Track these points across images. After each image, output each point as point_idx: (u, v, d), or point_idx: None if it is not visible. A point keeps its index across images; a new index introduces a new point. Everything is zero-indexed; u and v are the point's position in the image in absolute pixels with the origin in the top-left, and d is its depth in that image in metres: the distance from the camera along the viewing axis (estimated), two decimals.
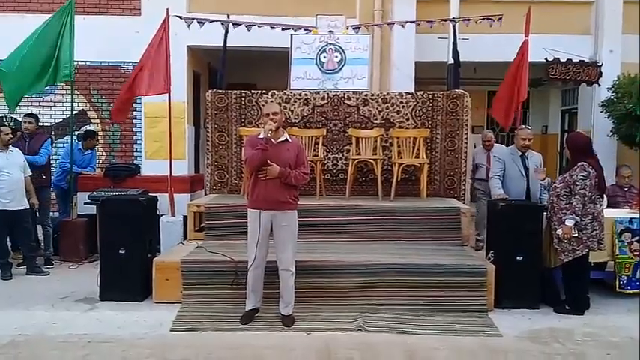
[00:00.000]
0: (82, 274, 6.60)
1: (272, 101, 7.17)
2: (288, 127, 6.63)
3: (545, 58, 9.51)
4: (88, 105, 9.97)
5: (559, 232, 5.24)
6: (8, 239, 6.74)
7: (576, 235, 5.19)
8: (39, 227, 7.16)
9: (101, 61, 9.90)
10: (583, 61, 9.80)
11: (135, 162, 9.68)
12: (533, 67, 8.35)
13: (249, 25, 8.01)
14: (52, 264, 6.97)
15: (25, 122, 7.31)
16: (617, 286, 5.74)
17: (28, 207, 6.68)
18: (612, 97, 9.52)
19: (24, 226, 6.65)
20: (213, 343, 4.56)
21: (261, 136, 4.77)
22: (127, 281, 5.54)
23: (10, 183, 6.45)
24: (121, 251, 5.57)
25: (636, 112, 8.43)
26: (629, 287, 5.73)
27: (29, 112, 7.96)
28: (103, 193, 6.88)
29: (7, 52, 7.27)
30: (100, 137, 9.86)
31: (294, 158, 4.87)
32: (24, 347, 4.46)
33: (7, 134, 6.60)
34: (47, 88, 8.19)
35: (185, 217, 6.69)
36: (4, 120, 9.49)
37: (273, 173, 4.74)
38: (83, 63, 9.50)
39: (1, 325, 4.86)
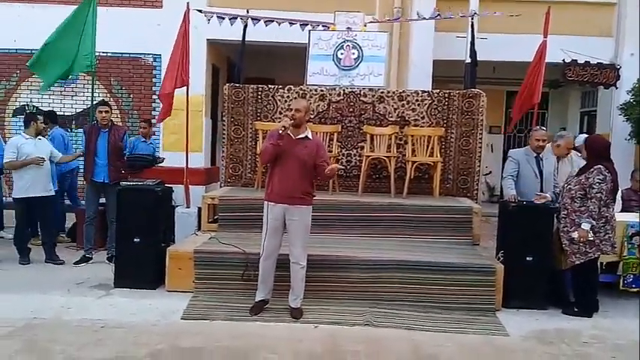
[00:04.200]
0: (97, 261, 6.74)
1: (296, 97, 7.24)
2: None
3: (563, 60, 9.45)
4: (108, 95, 10.11)
5: (574, 235, 5.22)
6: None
7: (592, 238, 5.18)
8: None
9: (122, 53, 10.05)
10: (601, 63, 9.72)
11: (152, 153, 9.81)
12: (552, 68, 8.32)
13: (267, 21, 8.08)
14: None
15: (101, 112, 6.74)
16: (622, 284, 5.75)
17: (53, 193, 6.86)
18: (632, 100, 9.44)
19: (47, 212, 6.81)
20: (223, 333, 4.66)
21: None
22: (141, 269, 5.66)
23: (37, 170, 6.61)
24: (135, 240, 5.70)
25: None
26: (634, 285, 5.74)
27: (48, 101, 7.97)
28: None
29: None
30: None
31: (313, 155, 4.89)
32: (39, 330, 4.59)
33: (42, 123, 6.90)
34: (69, 77, 8.37)
35: (200, 209, 6.79)
36: (26, 109, 9.68)
37: (333, 170, 4.90)
38: (105, 54, 9.63)
39: (17, 309, 5.00)
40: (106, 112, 6.78)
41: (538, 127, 6.73)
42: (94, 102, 7.82)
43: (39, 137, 6.82)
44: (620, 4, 10.20)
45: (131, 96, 10.20)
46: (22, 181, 6.58)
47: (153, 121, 9.27)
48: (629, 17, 10.01)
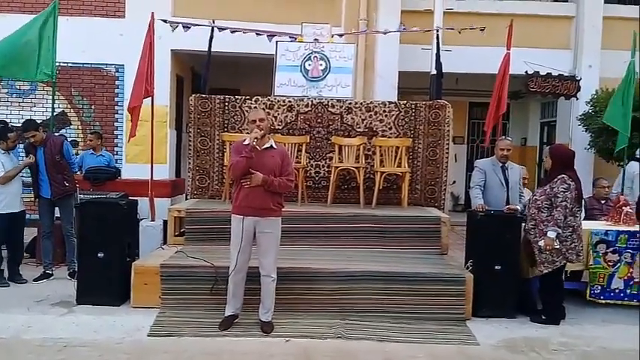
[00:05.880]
0: (58, 277, 6.51)
1: (256, 107, 7.15)
2: (271, 134, 6.63)
3: (526, 71, 9.66)
4: (68, 106, 9.88)
5: (541, 243, 5.28)
6: None
7: (558, 247, 5.25)
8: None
9: (83, 63, 9.84)
10: (562, 75, 9.98)
11: (115, 165, 9.59)
12: (513, 80, 8.48)
13: (234, 31, 8.02)
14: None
15: (27, 138, 6.54)
16: (588, 294, 5.82)
17: (24, 209, 6.64)
18: (590, 111, 9.70)
19: (20, 229, 6.58)
20: (192, 349, 4.53)
21: (246, 142, 4.76)
22: (105, 285, 5.47)
23: (13, 186, 6.39)
24: (99, 255, 5.51)
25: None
26: (602, 297, 5.80)
27: (5, 112, 7.67)
28: (82, 196, 6.80)
29: None
30: (80, 140, 9.83)
31: (280, 165, 4.85)
32: None
33: (14, 142, 6.58)
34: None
35: (165, 222, 6.65)
36: None
37: (256, 181, 4.71)
38: (65, 64, 9.41)
39: None
40: (32, 136, 6.48)
41: (504, 137, 6.84)
42: (54, 113, 7.61)
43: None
44: (578, 17, 10.51)
45: (92, 107, 9.99)
46: (2, 196, 6.31)
47: (120, 132, 9.04)
48: (587, 30, 10.32)
